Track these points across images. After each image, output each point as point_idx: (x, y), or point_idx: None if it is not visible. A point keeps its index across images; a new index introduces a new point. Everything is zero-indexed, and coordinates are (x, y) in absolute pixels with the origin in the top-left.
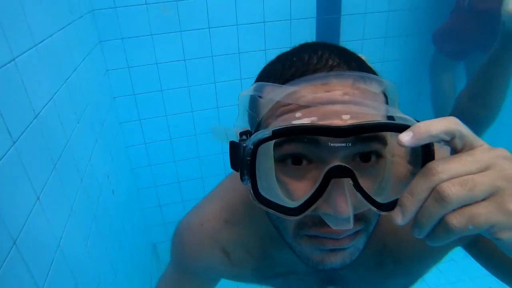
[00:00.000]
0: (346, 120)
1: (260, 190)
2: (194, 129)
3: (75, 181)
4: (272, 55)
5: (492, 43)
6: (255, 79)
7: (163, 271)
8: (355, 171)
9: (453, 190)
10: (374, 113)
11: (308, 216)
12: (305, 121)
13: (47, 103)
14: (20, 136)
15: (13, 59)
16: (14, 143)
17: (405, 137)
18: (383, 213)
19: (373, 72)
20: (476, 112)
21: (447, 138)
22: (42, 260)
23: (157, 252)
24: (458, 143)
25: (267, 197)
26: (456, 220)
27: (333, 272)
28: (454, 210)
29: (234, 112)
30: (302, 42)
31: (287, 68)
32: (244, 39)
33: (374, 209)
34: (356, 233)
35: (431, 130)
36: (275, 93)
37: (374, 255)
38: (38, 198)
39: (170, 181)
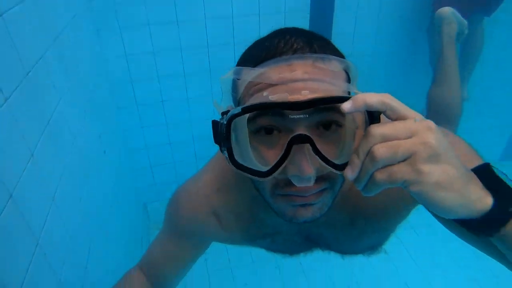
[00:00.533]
0: (305, 95)
1: (236, 158)
2: (186, 92)
3: (67, 140)
4: None
5: (491, 6)
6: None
7: (155, 235)
8: (315, 138)
9: (380, 152)
10: (331, 88)
11: (280, 179)
12: (271, 98)
13: (37, 62)
14: (12, 94)
15: (1, 15)
16: (6, 100)
17: (347, 105)
18: (339, 172)
19: (338, 54)
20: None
21: (381, 109)
22: (37, 212)
23: (148, 212)
24: (391, 114)
25: (242, 163)
26: (380, 176)
27: (313, 231)
28: (382, 167)
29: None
30: None
31: (259, 52)
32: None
33: (332, 169)
34: (322, 191)
35: (366, 100)
36: (248, 74)
37: (347, 215)
38: (32, 155)
39: (161, 143)
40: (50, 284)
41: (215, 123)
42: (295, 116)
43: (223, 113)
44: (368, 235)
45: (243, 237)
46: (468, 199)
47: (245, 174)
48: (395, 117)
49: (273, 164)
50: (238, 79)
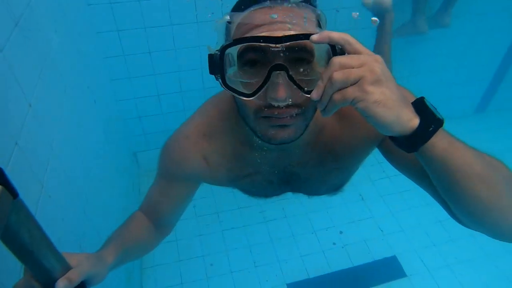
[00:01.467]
0: (282, 32)
1: (227, 82)
2: (174, 43)
3: (60, 90)
4: None
5: None
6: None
7: (145, 181)
8: (290, 68)
9: (337, 76)
10: (304, 29)
11: (262, 104)
12: (253, 34)
13: (25, 9)
14: (5, 44)
15: None
16: (1, 51)
17: (314, 36)
18: (308, 95)
19: (312, 4)
20: None
21: (341, 43)
22: (40, 159)
23: (137, 160)
24: (349, 48)
25: (232, 85)
26: (336, 96)
27: (288, 170)
28: (338, 90)
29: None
30: None
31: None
32: None
33: (302, 92)
34: (296, 115)
35: (330, 35)
36: (238, 17)
37: (319, 153)
38: (30, 105)
39: (149, 94)
40: (56, 225)
41: (210, 56)
42: (274, 50)
43: (217, 50)
44: (335, 173)
45: (228, 177)
46: (401, 118)
47: (234, 94)
48: (352, 51)
49: (256, 88)
50: (229, 23)
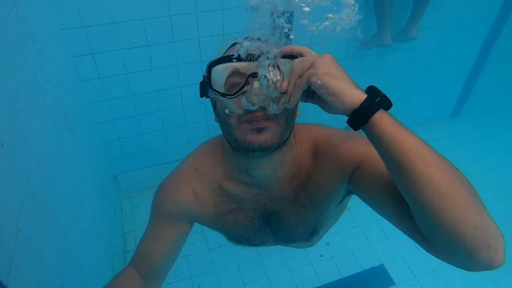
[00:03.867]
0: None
1: (213, 87)
2: (150, 62)
3: (34, 124)
4: None
5: None
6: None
7: (125, 204)
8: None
9: (295, 64)
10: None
11: (241, 112)
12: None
13: None
14: None
15: None
16: None
17: (283, 49)
18: (279, 94)
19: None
20: None
21: (301, 51)
22: (14, 201)
23: (118, 182)
24: (307, 54)
25: (217, 89)
26: (298, 81)
27: (267, 207)
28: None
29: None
30: None
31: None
32: None
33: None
34: (269, 120)
35: (292, 48)
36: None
37: (293, 190)
38: (2, 145)
39: (128, 115)
40: (35, 268)
41: (201, 82)
42: (250, 66)
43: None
44: (307, 210)
45: (215, 213)
46: (349, 91)
47: (218, 96)
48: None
49: (236, 90)
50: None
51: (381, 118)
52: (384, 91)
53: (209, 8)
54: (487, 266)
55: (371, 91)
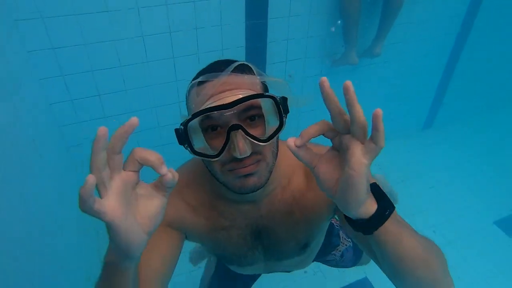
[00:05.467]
0: (230, 100)
1: (195, 148)
2: (124, 84)
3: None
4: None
5: None
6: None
7: (102, 227)
8: (244, 125)
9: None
10: (247, 92)
11: (226, 158)
12: (208, 104)
13: None
14: None
15: None
16: None
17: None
18: (265, 144)
19: (257, 73)
20: None
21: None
22: None
23: None
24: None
25: (199, 151)
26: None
27: (260, 223)
28: None
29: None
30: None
31: (199, 73)
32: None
33: (260, 143)
34: (258, 162)
35: (308, 131)
36: (193, 90)
37: (286, 205)
38: None
39: None
40: None
41: (177, 130)
42: (227, 114)
43: (181, 124)
44: (301, 226)
45: (207, 227)
46: (364, 202)
47: (201, 157)
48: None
49: (220, 148)
50: (188, 96)
51: (386, 228)
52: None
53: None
54: None
55: (381, 198)
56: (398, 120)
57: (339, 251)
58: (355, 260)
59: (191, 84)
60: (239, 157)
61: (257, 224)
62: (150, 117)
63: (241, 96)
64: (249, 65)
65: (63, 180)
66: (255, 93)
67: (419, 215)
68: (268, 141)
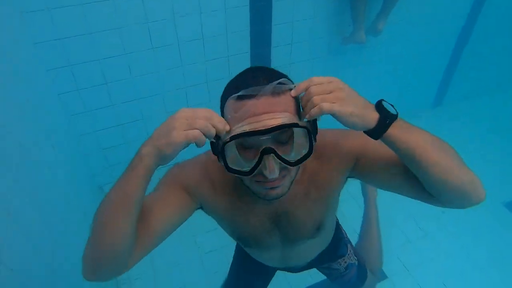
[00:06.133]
0: (266, 126)
1: (230, 165)
2: (130, 72)
3: (11, 145)
4: None
5: None
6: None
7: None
8: (276, 149)
9: (313, 89)
10: (283, 118)
11: (256, 174)
12: (245, 128)
13: None
14: None
15: None
16: None
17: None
18: (294, 166)
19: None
20: None
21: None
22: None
23: (104, 193)
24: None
25: (233, 167)
26: (316, 98)
27: (278, 207)
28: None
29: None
30: None
31: (234, 89)
32: None
33: (290, 166)
34: (283, 177)
35: (298, 89)
36: (232, 104)
37: (303, 188)
38: None
39: (111, 125)
40: None
41: (212, 143)
42: (263, 138)
43: (215, 138)
44: (318, 204)
45: (226, 208)
46: (366, 119)
47: (237, 174)
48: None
49: (252, 167)
50: (225, 105)
51: (390, 133)
52: (366, 85)
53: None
54: (477, 203)
55: (382, 111)
56: (406, 98)
57: (345, 262)
58: (358, 281)
59: (229, 92)
60: (269, 177)
61: (277, 210)
62: (156, 104)
63: (280, 121)
64: (284, 79)
65: (74, 168)
66: (291, 118)
67: None
68: (297, 164)
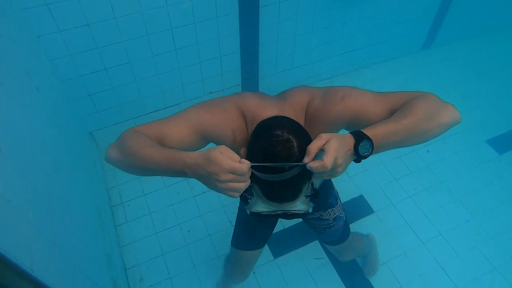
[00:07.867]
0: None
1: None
2: (113, 12)
3: None
4: None
5: None
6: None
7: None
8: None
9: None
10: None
11: None
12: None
13: None
14: None
15: None
16: None
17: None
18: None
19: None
20: None
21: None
22: None
23: (95, 139)
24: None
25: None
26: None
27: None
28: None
29: None
30: None
31: (260, 155)
32: None
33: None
34: None
35: (310, 152)
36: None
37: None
38: None
39: (96, 69)
40: (23, 230)
41: (243, 196)
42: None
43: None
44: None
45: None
46: (348, 163)
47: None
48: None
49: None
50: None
51: (371, 153)
52: (356, 28)
53: None
54: (457, 124)
55: (357, 152)
56: (397, 40)
57: (334, 213)
58: (342, 236)
59: (256, 156)
60: None
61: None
62: (143, 46)
63: (297, 210)
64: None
65: (61, 112)
66: (306, 201)
67: None
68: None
